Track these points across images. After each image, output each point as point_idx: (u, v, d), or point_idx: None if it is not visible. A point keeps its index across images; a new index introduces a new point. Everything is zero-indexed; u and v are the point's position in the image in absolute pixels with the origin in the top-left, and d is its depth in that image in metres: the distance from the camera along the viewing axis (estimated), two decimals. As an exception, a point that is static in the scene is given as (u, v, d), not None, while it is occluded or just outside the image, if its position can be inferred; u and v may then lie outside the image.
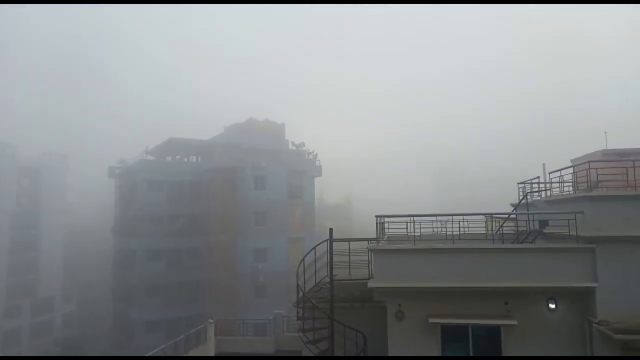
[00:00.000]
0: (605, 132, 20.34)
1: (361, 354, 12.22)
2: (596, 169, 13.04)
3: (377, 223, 13.64)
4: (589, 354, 11.25)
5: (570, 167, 14.45)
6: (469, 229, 14.48)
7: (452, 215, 13.72)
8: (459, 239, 13.30)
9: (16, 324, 54.36)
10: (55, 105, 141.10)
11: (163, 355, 18.24)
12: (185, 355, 18.97)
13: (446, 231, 13.97)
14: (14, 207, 57.36)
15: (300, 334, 13.15)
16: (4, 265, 54.47)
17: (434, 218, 14.45)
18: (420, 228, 13.65)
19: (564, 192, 14.68)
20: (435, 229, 14.68)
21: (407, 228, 13.40)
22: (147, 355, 18.30)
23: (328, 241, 13.36)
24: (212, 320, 20.08)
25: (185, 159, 50.37)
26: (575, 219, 11.54)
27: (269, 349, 19.63)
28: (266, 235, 43.50)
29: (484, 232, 15.04)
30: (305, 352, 13.09)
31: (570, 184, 14.40)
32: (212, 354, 19.45)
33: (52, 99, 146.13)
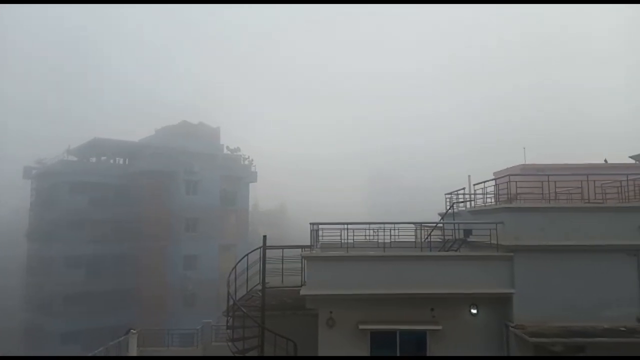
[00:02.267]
0: (524, 148, 21.95)
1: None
2: (516, 182, 13.96)
3: (311, 230, 13.66)
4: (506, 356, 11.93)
5: (492, 179, 15.36)
6: (400, 237, 14.91)
7: (384, 223, 14.06)
8: (390, 247, 13.64)
9: None
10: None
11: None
12: None
13: (378, 239, 14.28)
14: None
15: (230, 343, 12.82)
16: None
17: (366, 226, 14.73)
18: (354, 236, 13.85)
19: (486, 203, 15.56)
20: (368, 237, 14.96)
21: (341, 236, 13.54)
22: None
23: (261, 248, 13.18)
24: (134, 331, 19.05)
25: (112, 161, 47.76)
26: (496, 229, 12.25)
27: (196, 360, 18.97)
28: (197, 242, 42.30)
29: (414, 240, 15.55)
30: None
31: (493, 195, 15.30)
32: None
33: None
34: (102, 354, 18.08)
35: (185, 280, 40.95)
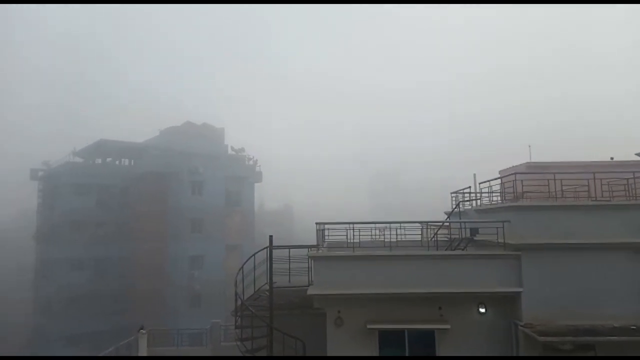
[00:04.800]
0: (530, 146, 21.88)
1: None
2: (521, 180, 13.95)
3: (317, 230, 13.70)
4: (515, 355, 11.93)
5: (498, 178, 15.35)
6: (406, 236, 14.92)
7: (390, 222, 14.08)
8: (397, 246, 13.67)
9: None
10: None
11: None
12: None
13: (384, 238, 14.31)
14: None
15: (239, 343, 12.89)
16: None
17: (372, 225, 14.76)
18: (360, 235, 13.88)
19: (492, 201, 15.55)
20: (373, 236, 14.99)
21: (346, 235, 13.58)
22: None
23: (268, 248, 13.24)
24: (144, 331, 19.14)
25: (117, 162, 47.97)
26: (503, 227, 12.24)
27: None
28: (203, 242, 42.41)
29: (420, 239, 15.55)
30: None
31: (499, 194, 15.29)
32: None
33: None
34: (113, 354, 18.22)
35: (192, 280, 41.07)
